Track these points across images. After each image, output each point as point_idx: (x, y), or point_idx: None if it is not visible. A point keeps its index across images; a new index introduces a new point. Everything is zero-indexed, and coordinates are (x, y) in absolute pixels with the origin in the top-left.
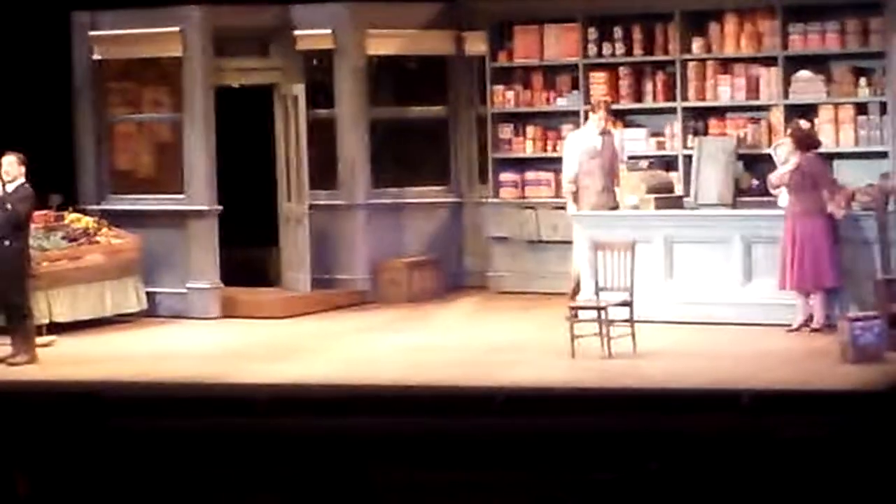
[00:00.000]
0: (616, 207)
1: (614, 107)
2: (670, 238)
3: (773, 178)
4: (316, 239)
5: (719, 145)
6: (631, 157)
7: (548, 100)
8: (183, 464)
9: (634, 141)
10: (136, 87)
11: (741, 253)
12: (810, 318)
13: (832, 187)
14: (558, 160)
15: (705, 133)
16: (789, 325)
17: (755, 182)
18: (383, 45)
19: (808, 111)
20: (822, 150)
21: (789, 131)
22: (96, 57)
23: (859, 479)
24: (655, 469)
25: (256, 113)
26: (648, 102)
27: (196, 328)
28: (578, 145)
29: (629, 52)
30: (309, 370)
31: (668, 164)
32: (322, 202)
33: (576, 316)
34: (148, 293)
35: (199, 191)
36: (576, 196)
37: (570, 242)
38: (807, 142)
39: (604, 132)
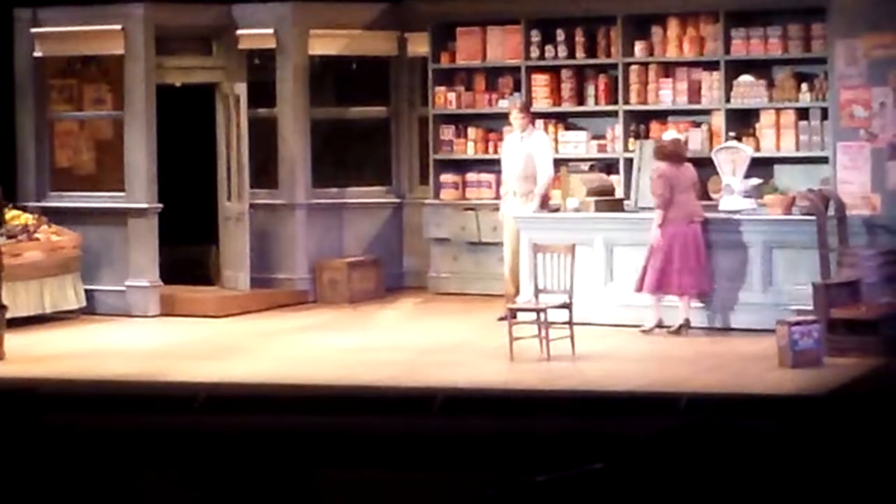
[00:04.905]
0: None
1: (556, 109)
2: (610, 241)
3: None
4: (256, 238)
5: None
6: (572, 160)
7: (490, 102)
8: (120, 462)
9: (576, 143)
10: (78, 85)
11: None
12: (687, 322)
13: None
14: (499, 162)
15: (647, 136)
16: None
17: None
18: (326, 45)
19: (750, 115)
20: (762, 154)
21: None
22: (38, 54)
23: (797, 483)
24: (595, 470)
25: (198, 111)
26: (590, 105)
27: (135, 326)
28: (505, 147)
29: (571, 55)
30: (248, 369)
31: (610, 167)
32: (262, 201)
33: (514, 317)
34: (87, 291)
35: (139, 189)
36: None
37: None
38: (662, 154)
39: (522, 134)
